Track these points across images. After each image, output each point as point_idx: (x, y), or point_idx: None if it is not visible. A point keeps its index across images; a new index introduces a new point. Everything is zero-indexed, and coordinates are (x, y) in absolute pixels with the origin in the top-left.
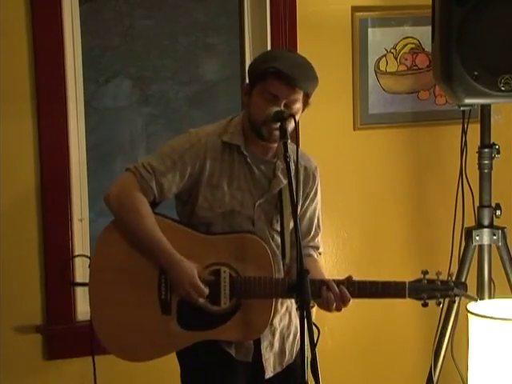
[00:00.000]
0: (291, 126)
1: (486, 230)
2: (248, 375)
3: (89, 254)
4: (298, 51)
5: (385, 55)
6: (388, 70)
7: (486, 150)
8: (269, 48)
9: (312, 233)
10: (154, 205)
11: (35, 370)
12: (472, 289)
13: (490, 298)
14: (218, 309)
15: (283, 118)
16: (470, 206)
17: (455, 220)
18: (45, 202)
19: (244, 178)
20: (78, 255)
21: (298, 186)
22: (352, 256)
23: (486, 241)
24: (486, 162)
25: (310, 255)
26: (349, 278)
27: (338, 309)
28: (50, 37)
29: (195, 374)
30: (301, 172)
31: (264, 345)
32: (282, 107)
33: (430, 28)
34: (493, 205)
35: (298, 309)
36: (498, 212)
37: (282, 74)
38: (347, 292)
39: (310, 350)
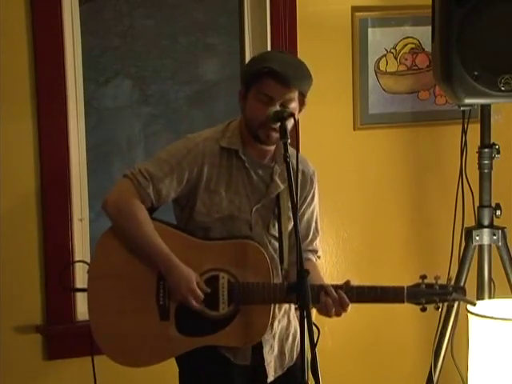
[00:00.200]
0: (290, 123)
1: (486, 230)
2: (248, 379)
3: (89, 255)
4: (298, 51)
5: (385, 55)
6: (388, 70)
7: (486, 150)
8: (269, 48)
9: (310, 236)
10: (151, 210)
11: (35, 370)
12: (472, 289)
13: (489, 297)
14: (217, 314)
15: (283, 117)
16: (470, 206)
17: (455, 220)
18: (45, 202)
19: (242, 183)
20: (77, 261)
21: (297, 190)
22: (352, 256)
23: (486, 241)
24: (486, 162)
25: (309, 259)
26: (347, 283)
27: (338, 314)
28: (50, 37)
29: (194, 377)
30: (298, 176)
31: (266, 349)
32: (279, 108)
33: (429, 28)
34: (493, 205)
35: (297, 309)
36: (498, 212)
37: (276, 74)
38: (346, 297)
39: (310, 350)
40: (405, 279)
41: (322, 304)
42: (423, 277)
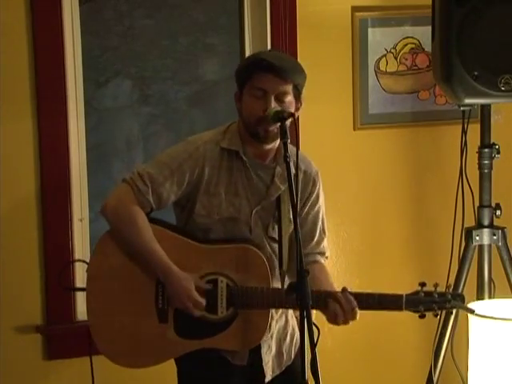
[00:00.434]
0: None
1: (486, 230)
2: (246, 379)
3: (89, 255)
4: (298, 51)
5: (385, 55)
6: (388, 70)
7: (486, 150)
8: (269, 48)
9: (316, 238)
10: (151, 211)
11: (35, 370)
12: (472, 289)
13: (490, 297)
14: (215, 318)
15: (283, 117)
16: (470, 206)
17: (455, 220)
18: (45, 202)
19: (242, 185)
20: (76, 260)
21: (297, 189)
22: (352, 256)
23: (486, 241)
24: (486, 162)
25: (317, 261)
26: (344, 290)
27: (345, 322)
28: (50, 37)
29: (192, 377)
30: (300, 176)
31: (264, 349)
32: (273, 101)
33: (429, 28)
34: (493, 205)
35: (296, 309)
36: (498, 212)
37: (267, 65)
38: (355, 304)
39: (309, 350)
40: (405, 279)
41: (330, 311)
42: (422, 284)
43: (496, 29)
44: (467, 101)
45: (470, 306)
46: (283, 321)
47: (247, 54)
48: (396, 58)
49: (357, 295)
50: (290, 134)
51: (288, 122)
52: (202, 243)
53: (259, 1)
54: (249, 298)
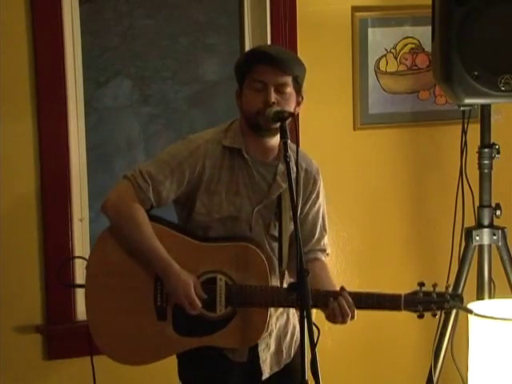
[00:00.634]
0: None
1: (486, 230)
2: (245, 375)
3: (88, 256)
4: (298, 51)
5: (385, 55)
6: (388, 70)
7: (486, 150)
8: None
9: (316, 236)
10: (151, 210)
11: (35, 370)
12: (472, 289)
13: (490, 297)
14: (214, 316)
15: (283, 117)
16: (470, 206)
17: (455, 220)
18: (45, 202)
19: (243, 183)
20: (76, 257)
21: (298, 188)
22: (352, 256)
23: (486, 241)
24: (486, 161)
25: (318, 258)
26: (342, 289)
27: (344, 321)
28: (50, 37)
29: (193, 373)
30: (301, 174)
31: (261, 347)
32: (273, 93)
33: (430, 28)
34: (493, 205)
35: (297, 308)
36: (498, 212)
37: (265, 56)
38: (352, 304)
39: (310, 350)
40: (405, 279)
41: (329, 310)
42: (421, 284)
43: (496, 29)
44: (467, 101)
45: (470, 305)
46: (284, 319)
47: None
48: (396, 58)
49: (355, 295)
50: (290, 134)
51: (288, 122)
52: (202, 241)
53: (259, 1)
54: (247, 296)
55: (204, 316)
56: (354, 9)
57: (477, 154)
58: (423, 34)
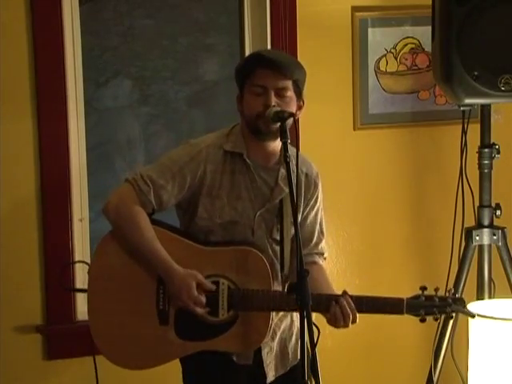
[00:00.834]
0: (290, 121)
1: (486, 230)
2: (250, 379)
3: (89, 255)
4: (298, 51)
5: (385, 55)
6: (388, 70)
7: (486, 150)
8: (269, 48)
9: (314, 240)
10: (152, 214)
11: (35, 370)
12: (472, 289)
13: (490, 297)
14: (216, 320)
15: (283, 117)
16: (470, 206)
17: (455, 220)
18: (45, 202)
19: (245, 188)
20: (77, 261)
21: (299, 191)
22: (352, 256)
23: (486, 241)
24: (486, 161)
25: (315, 262)
26: (344, 293)
27: (346, 325)
28: (50, 37)
29: (197, 376)
30: (302, 179)
31: (265, 351)
32: (273, 96)
33: (430, 28)
34: (493, 205)
35: (296, 312)
36: (498, 212)
37: (265, 60)
38: (354, 308)
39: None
40: (405, 279)
41: (331, 314)
42: (423, 288)
43: (496, 29)
44: (467, 101)
45: (470, 306)
46: (288, 321)
47: (247, 54)
48: (396, 58)
49: (357, 298)
50: (290, 134)
51: (289, 122)
52: (204, 245)
53: (259, 1)
54: (250, 300)
55: (206, 320)
56: (354, 9)
57: (477, 154)
58: (423, 34)
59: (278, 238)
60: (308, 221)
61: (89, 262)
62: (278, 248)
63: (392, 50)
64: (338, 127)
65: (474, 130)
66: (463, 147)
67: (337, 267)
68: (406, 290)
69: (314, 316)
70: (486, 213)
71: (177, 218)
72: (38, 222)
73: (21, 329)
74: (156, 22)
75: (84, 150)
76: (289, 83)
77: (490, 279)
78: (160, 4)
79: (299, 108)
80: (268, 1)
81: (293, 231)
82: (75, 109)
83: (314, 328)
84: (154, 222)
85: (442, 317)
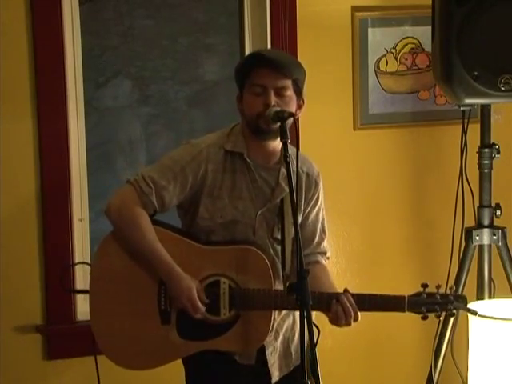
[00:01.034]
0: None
1: (486, 230)
2: (254, 379)
3: (89, 256)
4: (298, 51)
5: (385, 55)
6: (388, 70)
7: (486, 149)
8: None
9: (316, 239)
10: (154, 215)
11: (35, 370)
12: (472, 289)
13: (490, 297)
14: (218, 319)
15: (283, 117)
16: (470, 206)
17: (455, 220)
18: (45, 202)
19: (246, 188)
20: (78, 263)
21: (300, 191)
22: (352, 256)
23: (486, 241)
24: (486, 161)
25: (318, 261)
26: (345, 291)
27: (348, 324)
28: (50, 37)
29: (200, 377)
30: (303, 178)
31: (268, 351)
32: (273, 96)
33: (430, 28)
34: (493, 205)
35: (297, 310)
36: (498, 212)
37: (264, 60)
38: (356, 306)
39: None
40: (405, 279)
41: (332, 313)
42: (424, 285)
43: (496, 29)
44: (467, 101)
45: (470, 306)
46: (291, 320)
47: (247, 53)
48: (396, 58)
49: (359, 297)
50: (290, 134)
51: (289, 122)
52: (205, 245)
53: (259, 1)
54: (251, 299)
55: (208, 320)
56: (354, 9)
57: (477, 154)
58: (423, 34)
59: (279, 237)
60: (309, 220)
61: (89, 262)
62: (279, 247)
63: (392, 50)
64: (337, 127)
65: (474, 130)
66: (463, 147)
67: (337, 267)
68: (406, 290)
69: (314, 316)
70: (486, 213)
71: (178, 219)
72: (37, 221)
73: (21, 329)
74: (156, 22)
75: (84, 150)
76: (288, 82)
77: (490, 279)
78: (160, 4)
79: (299, 107)
80: (268, 1)
81: (293, 231)
82: (75, 109)
83: (314, 328)
84: (155, 222)
85: (443, 315)
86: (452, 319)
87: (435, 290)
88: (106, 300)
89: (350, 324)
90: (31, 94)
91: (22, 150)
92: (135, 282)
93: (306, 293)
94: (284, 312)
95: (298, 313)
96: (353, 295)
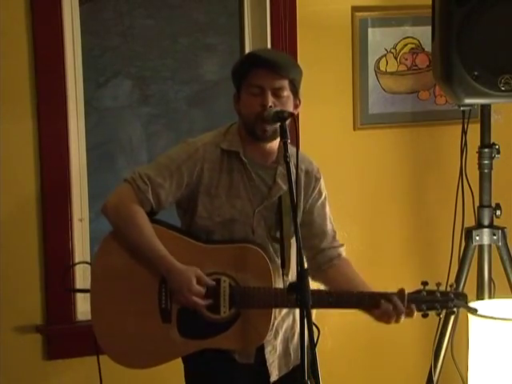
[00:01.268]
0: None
1: (486, 230)
2: (253, 378)
3: (89, 256)
4: (298, 51)
5: (385, 55)
6: (388, 70)
7: (486, 150)
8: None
9: (330, 232)
10: (152, 213)
11: (35, 370)
12: (472, 289)
13: (490, 297)
14: (218, 318)
15: (283, 117)
16: (470, 206)
17: (455, 220)
18: (45, 203)
19: (243, 186)
20: (78, 262)
21: (299, 189)
22: (352, 256)
23: (486, 241)
24: (486, 162)
25: (340, 254)
26: (401, 292)
27: (397, 320)
28: (50, 37)
29: (199, 375)
30: (302, 177)
31: (267, 350)
32: (270, 96)
33: (430, 28)
34: (493, 205)
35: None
36: (498, 212)
37: (261, 60)
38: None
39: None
40: (405, 279)
41: (383, 311)
42: (424, 283)
43: (496, 29)
44: (467, 101)
45: (470, 305)
46: (291, 320)
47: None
48: (396, 58)
49: (359, 294)
50: (290, 134)
51: (288, 122)
52: (204, 243)
53: (259, 1)
54: (251, 297)
55: (208, 318)
56: (354, 9)
57: (477, 154)
58: (423, 34)
59: (278, 235)
60: (315, 213)
61: (89, 262)
62: (278, 246)
63: (392, 50)
64: (338, 127)
65: (474, 130)
66: (463, 147)
67: None
68: (406, 290)
69: (314, 316)
70: (486, 213)
71: (178, 219)
72: (37, 221)
73: (21, 329)
74: (156, 22)
75: (84, 150)
76: (285, 83)
77: (490, 279)
78: (160, 4)
79: (296, 107)
80: (268, 1)
81: (293, 229)
82: (75, 109)
83: (314, 328)
84: (154, 221)
85: (443, 316)
86: (452, 319)
87: (435, 288)
88: (106, 299)
89: (399, 321)
90: (31, 93)
91: (21, 150)
92: (136, 280)
93: (306, 293)
94: (284, 311)
95: (298, 312)
96: (352, 293)
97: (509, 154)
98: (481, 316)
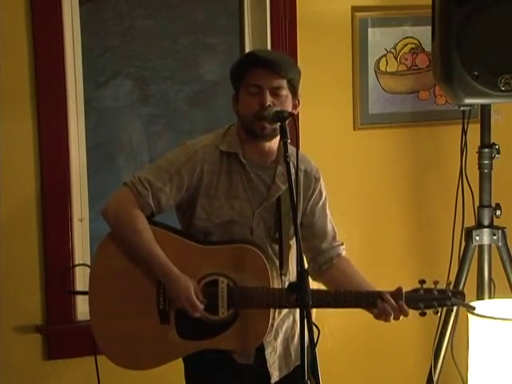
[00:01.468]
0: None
1: (486, 230)
2: (253, 379)
3: (89, 256)
4: (298, 51)
5: (385, 55)
6: (388, 70)
7: (486, 150)
8: (269, 48)
9: (330, 232)
10: (152, 217)
11: (35, 370)
12: (472, 289)
13: (489, 297)
14: (216, 318)
15: (283, 117)
16: (470, 206)
17: (455, 220)
18: (45, 203)
19: (242, 187)
20: (78, 264)
21: (299, 189)
22: (352, 256)
23: (486, 241)
24: (486, 162)
25: (340, 254)
26: (398, 290)
27: (396, 318)
28: (50, 37)
29: (199, 376)
30: (301, 177)
31: (268, 351)
32: (269, 96)
33: (430, 28)
34: (493, 205)
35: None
36: (498, 212)
37: (259, 60)
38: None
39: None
40: (405, 279)
41: (380, 310)
42: (422, 281)
43: (496, 29)
44: (467, 101)
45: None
46: (291, 320)
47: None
48: (396, 58)
49: (357, 293)
50: (290, 134)
51: (288, 122)
52: (202, 244)
53: (259, 1)
54: (249, 298)
55: (207, 319)
56: (354, 9)
57: (477, 154)
58: (423, 34)
59: (277, 236)
60: (317, 215)
61: (89, 263)
62: (277, 246)
63: (392, 50)
64: (338, 127)
65: (474, 130)
66: (463, 147)
67: None
68: (406, 290)
69: (314, 316)
70: (486, 213)
71: (177, 220)
72: (37, 221)
73: (21, 329)
74: (156, 22)
75: (84, 150)
76: (284, 82)
77: (490, 279)
78: (160, 4)
79: (294, 107)
80: (268, 1)
81: (292, 228)
82: (75, 109)
83: (314, 328)
84: (153, 223)
85: (443, 315)
86: (452, 318)
87: (433, 286)
88: (105, 301)
89: (398, 318)
90: (31, 93)
91: (22, 150)
92: (134, 282)
93: (306, 293)
94: (284, 312)
95: (298, 313)
96: (350, 292)
97: (509, 153)
98: (481, 316)
